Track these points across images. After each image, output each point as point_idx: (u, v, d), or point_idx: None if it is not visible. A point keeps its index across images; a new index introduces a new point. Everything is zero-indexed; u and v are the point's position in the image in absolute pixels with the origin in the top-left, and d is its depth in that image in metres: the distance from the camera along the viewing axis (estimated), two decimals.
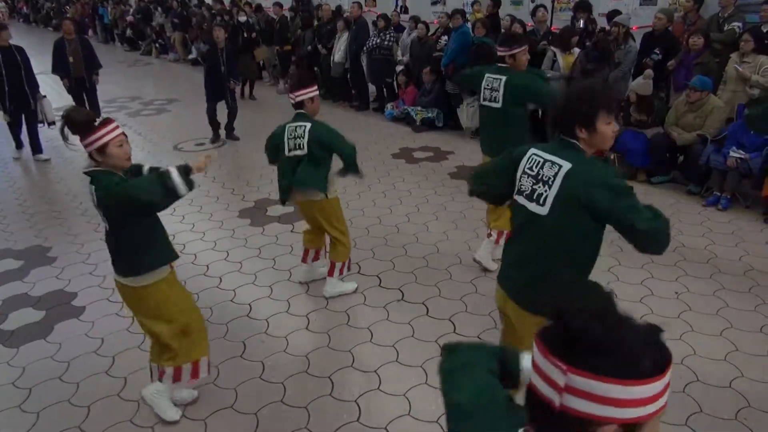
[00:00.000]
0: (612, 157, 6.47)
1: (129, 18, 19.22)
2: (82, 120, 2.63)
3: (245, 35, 11.28)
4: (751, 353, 3.46)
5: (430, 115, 8.75)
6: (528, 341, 2.38)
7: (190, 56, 15.83)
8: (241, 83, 10.63)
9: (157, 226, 2.83)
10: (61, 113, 2.95)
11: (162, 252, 2.82)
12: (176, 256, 2.90)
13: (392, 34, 9.47)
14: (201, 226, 5.50)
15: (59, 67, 8.55)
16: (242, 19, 11.42)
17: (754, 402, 3.06)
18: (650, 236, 2.09)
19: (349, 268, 4.30)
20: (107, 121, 2.65)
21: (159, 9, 17.22)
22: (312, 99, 3.91)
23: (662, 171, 6.30)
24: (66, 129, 2.68)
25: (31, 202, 6.36)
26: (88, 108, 9.13)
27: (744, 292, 4.13)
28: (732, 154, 5.44)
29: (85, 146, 2.65)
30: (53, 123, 7.88)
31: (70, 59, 8.46)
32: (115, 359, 3.59)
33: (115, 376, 3.44)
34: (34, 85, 7.67)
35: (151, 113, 10.59)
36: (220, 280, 4.49)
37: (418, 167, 7.12)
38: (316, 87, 3.96)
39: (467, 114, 8.28)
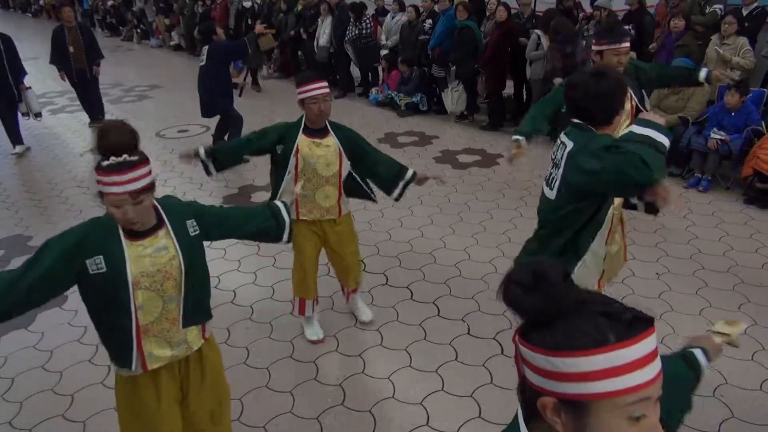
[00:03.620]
0: None
1: (109, 2, 18.91)
2: (109, 144, 1.84)
3: (249, 22, 10.74)
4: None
5: (414, 99, 8.73)
6: None
7: (172, 42, 15.63)
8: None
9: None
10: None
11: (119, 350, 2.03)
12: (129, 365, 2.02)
13: (369, 21, 9.39)
14: None
15: (58, 58, 7.99)
16: (247, 4, 10.83)
17: (732, 379, 3.12)
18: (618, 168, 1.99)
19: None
20: (117, 170, 1.80)
21: None
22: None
23: None
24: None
25: (11, 191, 6.27)
26: (90, 102, 8.45)
27: (723, 272, 4.20)
28: (713, 135, 5.49)
29: None
30: (39, 115, 7.57)
31: (71, 49, 7.86)
32: (99, 348, 3.56)
33: (99, 365, 3.43)
34: (20, 75, 7.20)
35: (133, 100, 10.46)
36: None
37: (403, 152, 7.11)
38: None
39: (452, 98, 8.27)
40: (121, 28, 18.52)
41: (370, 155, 3.33)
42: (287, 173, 3.18)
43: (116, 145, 1.82)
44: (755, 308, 3.75)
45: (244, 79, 10.08)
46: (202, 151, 3.19)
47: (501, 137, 7.56)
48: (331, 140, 3.19)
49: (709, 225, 4.92)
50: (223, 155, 3.24)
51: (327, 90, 3.11)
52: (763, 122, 5.48)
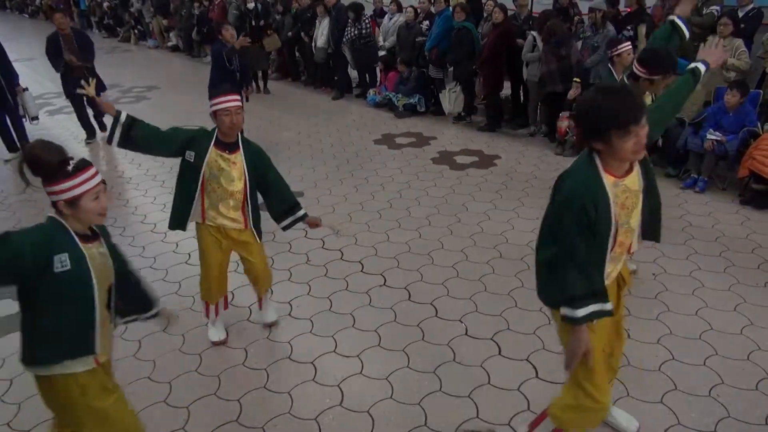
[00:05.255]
0: None
1: (106, 4, 18.91)
2: (53, 161, 1.99)
3: (253, 24, 10.66)
4: (725, 331, 3.54)
5: (411, 100, 8.74)
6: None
7: (170, 43, 15.63)
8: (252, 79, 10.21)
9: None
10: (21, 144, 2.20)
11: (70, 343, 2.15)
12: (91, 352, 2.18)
13: (368, 21, 9.40)
14: None
15: (58, 64, 7.41)
16: (250, 5, 10.71)
17: (728, 379, 3.14)
18: (538, 271, 2.26)
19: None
20: (85, 167, 2.04)
21: None
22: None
23: None
24: (25, 168, 2.04)
25: (8, 192, 6.27)
26: (93, 116, 7.95)
27: (719, 272, 4.21)
28: (709, 136, 5.51)
29: (52, 194, 2.02)
30: (36, 118, 7.32)
31: (66, 57, 7.32)
32: None
33: None
34: (11, 77, 6.96)
35: (130, 101, 10.46)
36: None
37: (401, 153, 7.12)
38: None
39: (449, 99, 8.29)
40: (118, 29, 18.51)
41: (270, 181, 3.35)
42: (198, 185, 3.21)
43: (61, 155, 2.01)
44: (751, 308, 3.76)
45: (248, 86, 10.07)
46: (123, 116, 3.09)
47: (498, 138, 7.59)
48: (239, 158, 3.22)
49: (706, 225, 4.94)
50: (139, 131, 3.12)
51: (239, 103, 3.15)
52: (759, 123, 5.51)
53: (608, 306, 2.17)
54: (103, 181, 2.10)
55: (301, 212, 3.44)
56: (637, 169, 2.21)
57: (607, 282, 2.26)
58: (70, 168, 2.00)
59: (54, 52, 7.40)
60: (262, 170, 3.32)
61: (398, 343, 3.54)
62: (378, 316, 3.83)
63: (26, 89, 7.19)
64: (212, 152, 3.18)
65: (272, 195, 3.39)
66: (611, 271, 2.31)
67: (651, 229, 2.44)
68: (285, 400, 3.12)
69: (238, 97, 3.16)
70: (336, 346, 3.55)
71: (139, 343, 3.61)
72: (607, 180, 2.10)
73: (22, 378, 3.35)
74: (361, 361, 3.40)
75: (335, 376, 3.29)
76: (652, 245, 4.56)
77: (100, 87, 7.57)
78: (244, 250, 3.48)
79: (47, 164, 1.99)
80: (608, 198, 2.10)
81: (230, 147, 3.21)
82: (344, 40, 9.33)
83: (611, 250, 2.19)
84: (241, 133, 3.33)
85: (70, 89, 7.55)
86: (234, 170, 3.21)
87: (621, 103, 1.96)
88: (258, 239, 3.47)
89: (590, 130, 2.04)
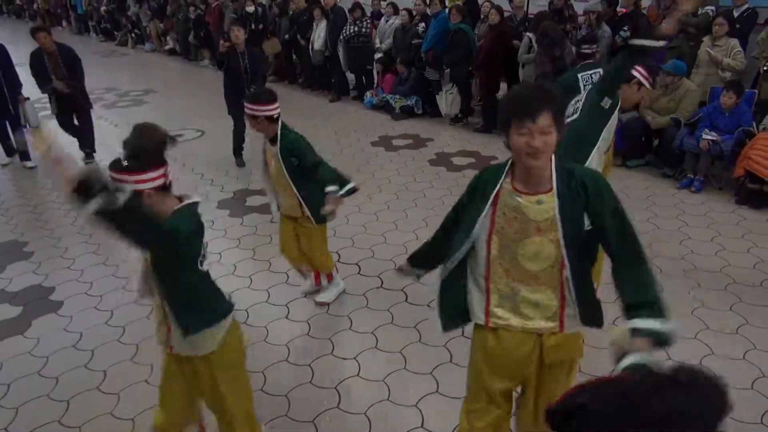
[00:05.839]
0: None
1: (103, 8, 18.92)
2: (132, 148, 2.06)
3: (253, 27, 10.63)
4: (722, 331, 3.55)
5: (409, 102, 8.75)
6: None
7: (167, 47, 15.65)
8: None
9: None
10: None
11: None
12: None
13: (368, 21, 9.43)
14: None
15: (44, 84, 6.71)
16: (250, 9, 10.73)
17: (723, 378, 3.14)
18: None
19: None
20: (139, 170, 2.00)
21: None
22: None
23: (637, 154, 6.39)
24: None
25: (6, 196, 6.27)
26: (78, 141, 7.20)
27: (716, 272, 4.23)
28: (704, 136, 5.53)
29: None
30: (37, 128, 7.08)
31: (53, 78, 6.65)
32: (94, 353, 3.58)
33: (95, 370, 3.43)
34: (15, 86, 6.79)
35: (127, 104, 10.46)
36: None
37: (398, 155, 7.13)
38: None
39: (446, 101, 8.31)
40: (115, 33, 18.51)
41: (308, 167, 3.46)
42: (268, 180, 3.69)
43: (141, 148, 2.07)
44: (747, 307, 3.78)
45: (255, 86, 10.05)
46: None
47: (495, 139, 7.59)
48: (276, 148, 3.47)
49: (702, 225, 4.95)
50: None
51: (256, 113, 3.34)
52: (754, 123, 5.53)
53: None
54: (158, 187, 2.02)
55: (352, 183, 3.67)
56: (553, 210, 1.93)
57: (502, 322, 2.12)
58: (125, 163, 2.00)
59: (39, 70, 6.68)
60: (299, 158, 3.48)
61: (395, 345, 3.55)
62: (375, 318, 3.84)
63: (28, 98, 7.06)
64: (267, 149, 3.57)
65: (314, 180, 3.50)
66: (510, 315, 2.12)
67: (590, 315, 2.21)
68: (282, 402, 3.12)
69: (256, 107, 3.34)
70: (333, 349, 3.56)
71: (136, 347, 3.61)
72: (505, 182, 2.00)
73: (20, 382, 3.36)
74: (359, 363, 3.41)
75: (332, 378, 3.30)
76: (648, 245, 4.58)
77: (87, 105, 7.15)
78: (304, 243, 3.82)
79: (132, 145, 2.07)
80: (492, 192, 2.00)
81: (272, 140, 3.50)
82: (341, 38, 9.32)
83: (488, 265, 2.06)
84: (284, 126, 3.51)
85: (54, 110, 7.02)
86: (275, 160, 3.50)
87: (524, 94, 1.86)
88: (315, 224, 3.67)
89: (500, 123, 1.91)
